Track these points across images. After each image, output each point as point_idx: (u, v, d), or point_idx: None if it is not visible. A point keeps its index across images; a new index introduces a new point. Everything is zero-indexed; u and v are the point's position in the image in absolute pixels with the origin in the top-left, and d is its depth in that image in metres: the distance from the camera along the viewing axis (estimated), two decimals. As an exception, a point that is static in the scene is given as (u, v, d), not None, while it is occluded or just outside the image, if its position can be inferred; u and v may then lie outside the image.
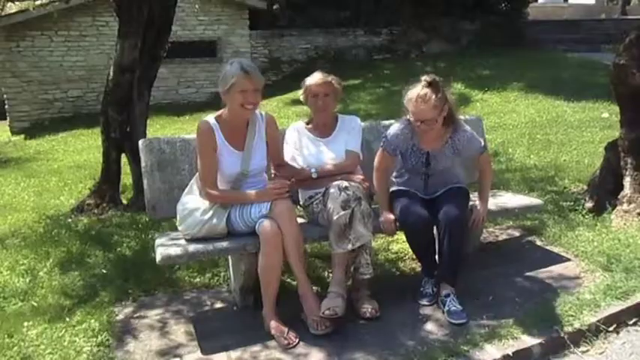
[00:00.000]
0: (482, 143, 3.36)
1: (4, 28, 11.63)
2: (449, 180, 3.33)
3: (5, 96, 12.74)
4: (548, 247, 3.97)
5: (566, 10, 18.78)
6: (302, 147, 3.41)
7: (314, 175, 3.29)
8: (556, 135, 7.17)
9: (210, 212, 3.00)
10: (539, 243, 4.07)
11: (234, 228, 3.03)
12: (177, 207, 3.11)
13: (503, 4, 15.84)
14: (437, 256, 3.24)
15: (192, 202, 3.06)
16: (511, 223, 4.37)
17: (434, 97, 3.01)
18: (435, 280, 3.22)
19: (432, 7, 14.02)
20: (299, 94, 3.50)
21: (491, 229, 4.29)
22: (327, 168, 3.33)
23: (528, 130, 7.59)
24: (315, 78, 3.38)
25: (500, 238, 4.20)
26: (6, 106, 12.77)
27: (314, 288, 3.14)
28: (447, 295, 3.09)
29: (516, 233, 4.27)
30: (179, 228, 3.10)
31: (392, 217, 3.26)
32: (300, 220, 3.41)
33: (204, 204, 3.02)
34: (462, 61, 12.62)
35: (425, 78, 3.07)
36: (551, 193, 4.82)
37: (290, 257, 2.91)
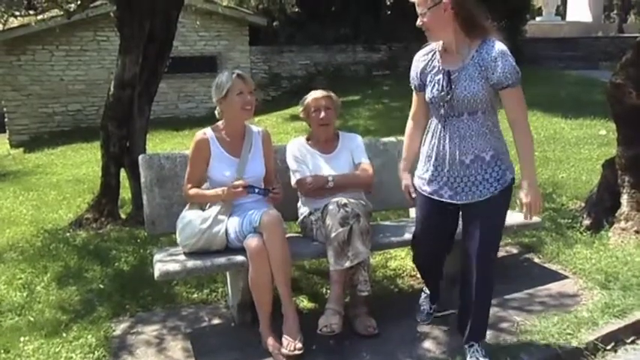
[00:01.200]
0: (517, 72, 2.46)
1: (5, 42, 11.69)
2: (476, 131, 2.53)
3: (5, 109, 12.76)
4: (546, 265, 3.98)
5: (563, 28, 18.92)
6: (307, 161, 3.42)
7: (330, 185, 3.28)
8: (554, 152, 7.19)
9: (209, 221, 3.01)
10: (537, 260, 4.07)
11: (231, 243, 3.03)
12: (177, 222, 3.12)
13: (501, 21, 15.96)
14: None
15: (192, 213, 3.08)
16: (509, 240, 4.37)
17: None
18: (458, 331, 2.83)
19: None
20: (298, 109, 3.52)
21: (489, 247, 4.28)
22: (345, 178, 3.32)
23: (526, 146, 7.61)
24: (315, 93, 3.43)
25: (498, 255, 4.19)
26: (5, 120, 12.79)
27: (311, 304, 3.14)
28: (472, 345, 2.71)
29: (514, 250, 4.28)
30: (178, 240, 3.11)
31: (410, 186, 2.87)
32: (295, 236, 3.43)
33: (204, 214, 3.04)
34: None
35: None
36: (549, 211, 4.83)
37: (274, 273, 2.89)
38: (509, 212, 4.06)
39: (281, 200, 3.16)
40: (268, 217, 2.90)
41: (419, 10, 2.43)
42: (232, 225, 3.01)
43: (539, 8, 20.15)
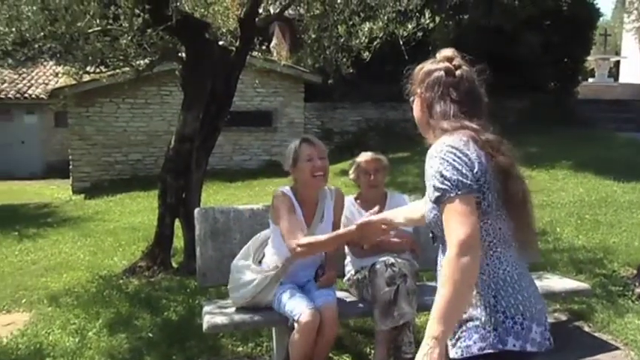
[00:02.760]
0: (446, 180, 1.60)
1: (76, 94, 12.44)
2: None
3: (71, 157, 13.43)
4: (596, 334, 3.83)
5: (616, 90, 18.56)
6: (355, 220, 3.41)
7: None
8: (605, 215, 6.97)
9: (263, 286, 3.03)
10: (586, 329, 3.93)
11: (276, 303, 3.06)
12: (231, 268, 3.14)
13: (552, 83, 15.87)
14: None
15: (248, 274, 3.08)
16: (558, 306, 4.24)
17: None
18: None
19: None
20: (349, 164, 3.59)
21: (537, 312, 4.15)
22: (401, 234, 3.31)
23: (577, 209, 7.42)
24: (365, 156, 3.49)
25: (545, 321, 4.06)
26: (70, 167, 13.44)
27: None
28: None
29: (563, 317, 4.14)
30: (230, 294, 3.14)
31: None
32: (342, 295, 3.42)
33: (258, 276, 3.06)
34: (510, 138, 12.49)
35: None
36: (599, 277, 4.68)
37: (316, 354, 2.89)
38: (556, 277, 3.98)
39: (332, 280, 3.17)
40: (328, 305, 2.91)
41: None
42: (279, 303, 3.00)
43: (592, 69, 19.90)
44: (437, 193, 1.59)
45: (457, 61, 1.77)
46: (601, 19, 18.23)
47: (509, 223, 1.64)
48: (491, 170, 1.61)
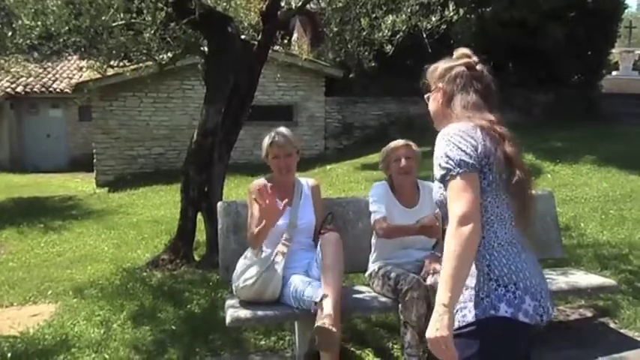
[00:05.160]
0: (449, 160, 1.71)
1: (100, 88, 12.58)
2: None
3: (94, 151, 13.62)
4: (622, 331, 3.79)
5: (640, 83, 18.19)
6: (392, 217, 3.33)
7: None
8: (630, 211, 6.85)
9: (268, 262, 3.08)
10: (612, 326, 3.88)
11: (284, 299, 3.08)
12: (234, 272, 3.19)
13: (576, 77, 15.61)
14: None
15: (249, 259, 3.16)
16: (583, 302, 4.20)
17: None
18: None
19: (506, 78, 14.00)
20: (370, 158, 3.57)
21: (562, 308, 4.12)
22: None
23: (601, 204, 7.30)
24: (396, 142, 3.44)
25: (571, 318, 4.02)
26: (94, 160, 13.62)
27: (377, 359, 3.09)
28: None
29: (588, 314, 4.09)
30: (235, 286, 3.17)
31: None
32: (363, 289, 3.41)
33: (262, 257, 3.12)
34: (534, 132, 12.40)
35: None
36: (625, 272, 4.62)
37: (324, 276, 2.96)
38: (581, 273, 3.91)
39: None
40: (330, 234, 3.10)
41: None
42: (289, 289, 3.05)
43: (616, 63, 19.49)
44: (442, 172, 1.71)
45: (475, 58, 1.89)
46: (626, 11, 17.84)
47: (511, 208, 1.76)
48: (497, 156, 1.72)
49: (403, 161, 3.34)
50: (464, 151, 1.69)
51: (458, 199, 1.66)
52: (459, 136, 1.72)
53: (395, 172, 3.39)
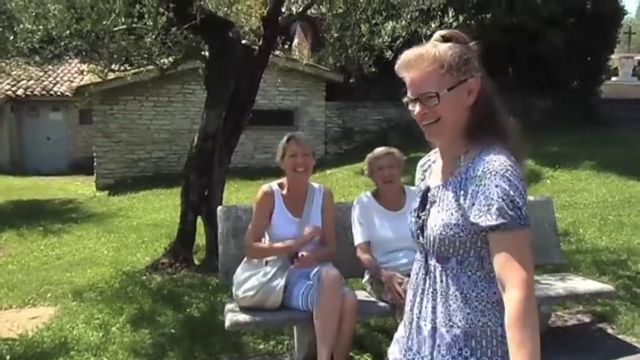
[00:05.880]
0: (517, 206, 1.38)
1: (101, 92, 12.60)
2: (443, 289, 1.51)
3: (95, 154, 13.63)
4: (620, 337, 3.79)
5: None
6: (372, 219, 3.42)
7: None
8: (629, 216, 6.86)
9: (270, 274, 3.07)
10: (610, 331, 3.89)
11: (290, 302, 3.07)
12: (235, 274, 3.19)
13: (576, 82, 15.65)
14: None
15: (253, 267, 3.15)
16: (581, 307, 4.20)
17: (441, 51, 1.46)
18: None
19: (505, 83, 14.04)
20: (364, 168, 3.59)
21: (559, 313, 4.13)
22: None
23: (600, 210, 7.32)
24: (377, 151, 3.49)
25: (569, 323, 4.03)
26: (94, 163, 13.63)
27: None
28: None
29: (586, 319, 4.09)
30: (235, 293, 3.16)
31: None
32: (361, 294, 3.42)
33: (264, 268, 3.11)
34: (533, 137, 12.42)
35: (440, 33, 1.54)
36: (623, 278, 4.62)
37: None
38: (579, 279, 3.93)
39: (331, 257, 3.23)
40: (329, 271, 3.01)
41: (422, 90, 1.48)
42: (300, 291, 3.05)
43: (615, 69, 19.53)
44: (502, 220, 1.36)
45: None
46: (625, 17, 17.87)
47: None
48: None
49: (386, 171, 3.40)
50: (525, 198, 1.39)
51: (522, 260, 1.36)
52: (517, 177, 1.39)
53: (379, 180, 3.45)
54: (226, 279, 3.45)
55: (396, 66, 1.51)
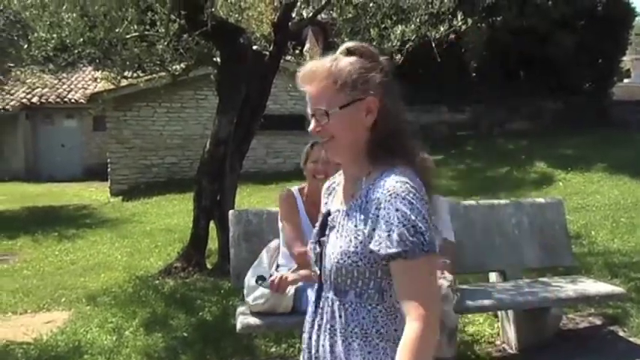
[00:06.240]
0: (419, 231, 1.27)
1: (114, 99, 12.73)
2: (342, 326, 1.40)
3: (109, 160, 13.75)
4: (631, 339, 3.77)
5: (652, 90, 18.08)
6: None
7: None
8: (641, 218, 6.82)
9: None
10: (621, 334, 3.86)
11: (301, 307, 3.06)
12: (245, 280, 3.17)
13: (587, 84, 15.55)
14: None
15: (262, 271, 3.11)
16: (592, 310, 4.17)
17: (338, 66, 1.39)
18: None
19: (516, 86, 13.99)
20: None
21: (571, 316, 4.11)
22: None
23: (612, 212, 7.27)
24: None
25: (580, 326, 4.01)
26: (108, 170, 13.76)
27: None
28: None
29: (598, 322, 4.07)
30: (246, 299, 3.14)
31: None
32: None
33: (274, 275, 3.08)
34: (545, 140, 12.38)
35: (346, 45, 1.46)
36: (635, 281, 4.59)
37: None
38: (591, 281, 3.90)
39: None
40: None
41: (316, 106, 1.42)
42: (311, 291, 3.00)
43: (628, 70, 19.36)
44: (403, 247, 1.26)
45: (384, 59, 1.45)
46: (637, 18, 17.74)
47: None
48: None
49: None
50: (428, 222, 1.28)
51: (425, 288, 1.27)
52: (420, 200, 1.29)
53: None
54: (238, 282, 3.46)
55: (296, 78, 1.44)
